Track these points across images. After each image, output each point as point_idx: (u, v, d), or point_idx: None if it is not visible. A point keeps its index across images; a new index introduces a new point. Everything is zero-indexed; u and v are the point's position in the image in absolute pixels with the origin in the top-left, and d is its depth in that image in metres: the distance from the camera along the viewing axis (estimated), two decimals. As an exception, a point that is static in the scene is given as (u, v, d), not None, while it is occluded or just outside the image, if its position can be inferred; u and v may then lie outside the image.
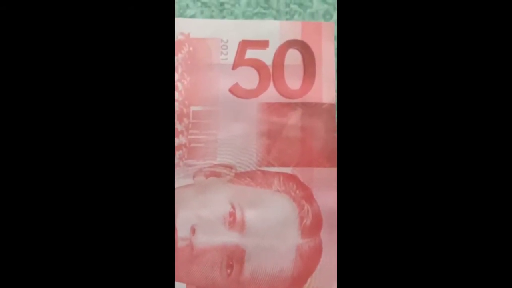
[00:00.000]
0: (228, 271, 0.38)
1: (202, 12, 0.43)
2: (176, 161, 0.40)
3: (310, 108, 0.41)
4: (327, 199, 0.40)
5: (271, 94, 0.41)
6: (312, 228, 0.39)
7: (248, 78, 0.41)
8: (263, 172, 0.41)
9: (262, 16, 0.43)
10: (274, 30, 0.42)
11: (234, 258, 0.38)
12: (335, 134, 0.40)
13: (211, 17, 0.43)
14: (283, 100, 0.41)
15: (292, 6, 0.43)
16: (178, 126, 0.41)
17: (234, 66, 0.42)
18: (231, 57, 0.42)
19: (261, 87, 0.41)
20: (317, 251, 0.39)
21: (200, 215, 0.39)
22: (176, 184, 0.40)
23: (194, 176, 0.40)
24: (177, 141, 0.41)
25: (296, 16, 0.43)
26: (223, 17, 0.43)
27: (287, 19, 0.43)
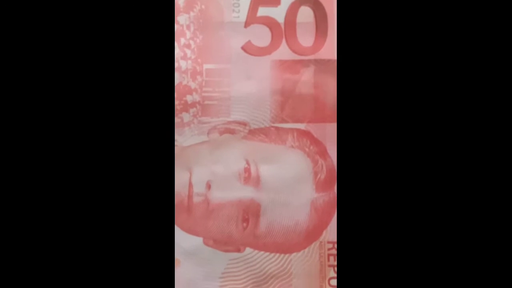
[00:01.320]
0: (244, 224, 0.39)
1: (213, -30, 0.43)
2: (190, 118, 0.41)
3: (322, 65, 0.41)
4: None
5: (283, 51, 0.41)
6: (326, 183, 0.40)
7: (261, 36, 0.42)
8: (277, 128, 0.41)
9: (274, -27, 0.43)
10: (286, -13, 0.42)
11: (249, 212, 0.39)
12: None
13: (223, -26, 0.43)
14: (296, 57, 0.41)
15: (304, -38, 0.43)
16: (191, 84, 0.41)
17: (246, 24, 0.42)
18: (243, 15, 0.42)
19: (274, 45, 0.42)
20: (332, 205, 0.40)
21: (215, 171, 0.40)
22: (190, 142, 0.41)
23: (208, 133, 0.41)
24: (190, 98, 0.41)
25: (308, -27, 0.43)
26: (235, -26, 0.43)
27: (299, -24, 0.43)
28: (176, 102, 0.41)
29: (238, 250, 0.39)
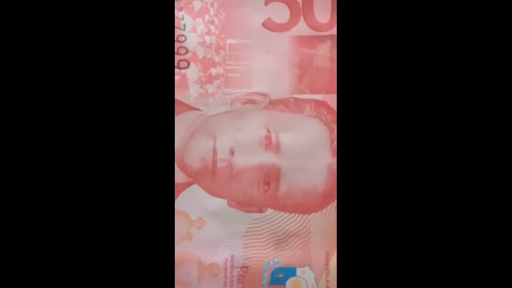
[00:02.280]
0: (265, 187, 0.42)
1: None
2: (214, 90, 0.43)
3: (338, 40, 0.44)
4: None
5: (301, 27, 0.44)
6: (342, 149, 0.43)
7: (280, 13, 0.44)
8: (296, 99, 0.44)
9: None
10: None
11: (270, 176, 0.42)
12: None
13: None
14: (313, 33, 0.44)
15: None
16: (215, 58, 0.44)
17: (267, 2, 0.44)
18: (263, -7, 0.44)
19: (292, 21, 0.44)
20: (347, 170, 0.42)
21: (238, 138, 0.42)
22: (214, 111, 0.43)
23: (231, 104, 0.44)
24: (214, 71, 0.44)
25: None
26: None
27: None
28: (201, 75, 0.43)
29: (260, 211, 0.42)
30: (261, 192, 0.42)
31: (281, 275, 0.41)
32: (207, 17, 0.44)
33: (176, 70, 0.43)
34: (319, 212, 0.42)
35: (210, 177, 0.42)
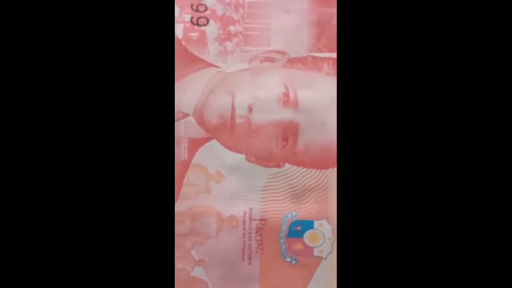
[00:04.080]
0: (284, 143, 0.42)
1: None
2: (232, 47, 0.44)
3: None
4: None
5: (320, -13, 0.44)
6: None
7: (299, -27, 0.45)
8: (314, 57, 0.44)
9: None
10: None
11: (289, 132, 0.42)
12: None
13: None
14: (331, -8, 0.44)
15: None
16: (234, 16, 0.44)
17: (286, -39, 0.45)
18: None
19: (311, -19, 0.45)
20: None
21: (256, 95, 0.43)
22: (233, 68, 0.44)
23: (250, 61, 0.44)
24: (233, 28, 0.44)
25: None
26: None
27: None
28: (220, 32, 0.44)
29: (278, 166, 0.43)
30: (279, 147, 0.42)
31: (299, 228, 0.42)
32: (226, -25, 0.44)
33: (196, 27, 0.44)
34: (336, 167, 0.43)
35: (229, 133, 0.42)
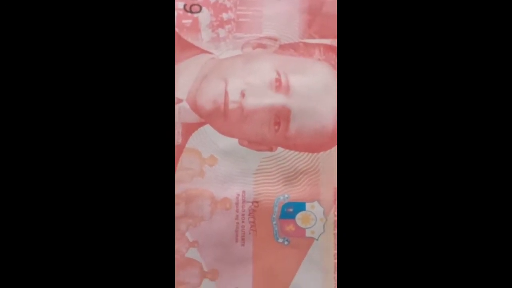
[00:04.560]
0: (276, 127, 0.43)
1: None
2: (225, 34, 0.45)
3: (347, -13, 0.45)
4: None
5: (311, -26, 0.45)
6: (349, 92, 0.44)
7: (290, -40, 0.45)
8: (305, 43, 0.45)
9: None
10: None
11: (281, 116, 0.43)
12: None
13: None
14: (322, -21, 0.45)
15: None
16: (227, 3, 0.45)
17: (277, -50, 0.45)
18: None
19: (302, -32, 0.45)
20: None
21: (249, 81, 0.43)
22: (226, 55, 0.45)
23: (242, 48, 0.45)
24: (226, 16, 0.45)
25: None
26: None
27: None
28: (213, 19, 0.45)
29: (271, 149, 0.43)
30: (272, 131, 0.43)
31: (291, 210, 0.43)
32: (219, -37, 0.45)
33: (189, 14, 0.45)
34: (328, 151, 0.43)
35: (222, 118, 0.43)
